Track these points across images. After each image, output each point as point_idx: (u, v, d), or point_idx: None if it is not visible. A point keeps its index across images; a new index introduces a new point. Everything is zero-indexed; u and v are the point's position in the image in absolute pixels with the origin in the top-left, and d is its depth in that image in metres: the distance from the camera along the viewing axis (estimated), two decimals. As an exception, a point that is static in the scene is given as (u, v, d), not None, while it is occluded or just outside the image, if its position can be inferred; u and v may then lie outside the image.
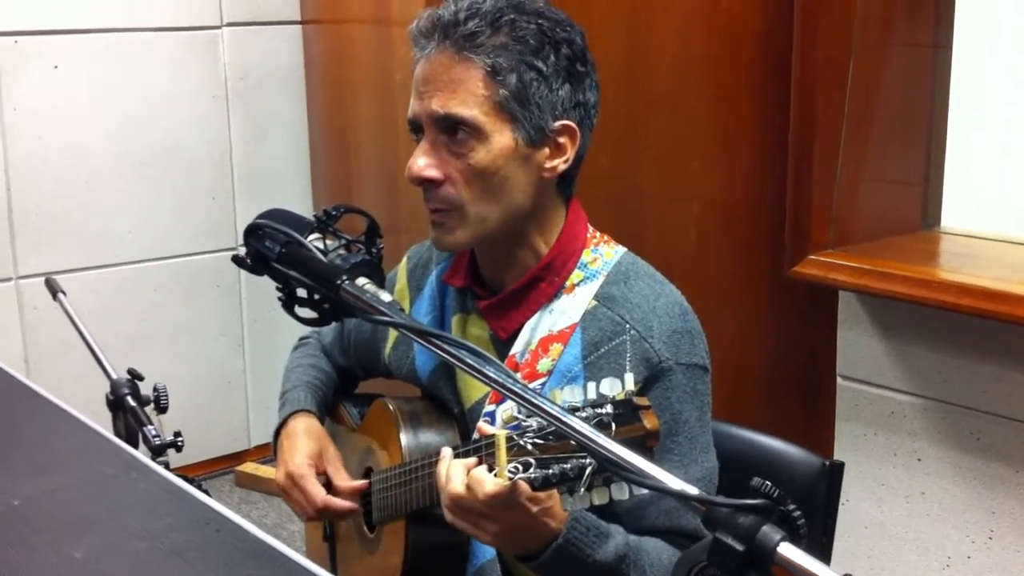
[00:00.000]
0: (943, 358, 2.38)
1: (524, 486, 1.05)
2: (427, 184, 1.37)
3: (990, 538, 2.35)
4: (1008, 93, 2.52)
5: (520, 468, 1.01)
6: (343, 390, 1.76)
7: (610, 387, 1.00)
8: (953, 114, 2.49)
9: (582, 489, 0.97)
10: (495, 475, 1.11)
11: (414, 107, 1.38)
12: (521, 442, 1.02)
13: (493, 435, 1.11)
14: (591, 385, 1.01)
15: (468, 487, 1.15)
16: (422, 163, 1.36)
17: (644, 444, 0.99)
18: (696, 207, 2.59)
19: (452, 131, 1.35)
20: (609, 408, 0.99)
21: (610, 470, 0.90)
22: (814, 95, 2.36)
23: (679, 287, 1.45)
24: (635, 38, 2.49)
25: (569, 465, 0.97)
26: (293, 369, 1.72)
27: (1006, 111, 2.52)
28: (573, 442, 0.92)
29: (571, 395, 1.00)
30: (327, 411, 1.70)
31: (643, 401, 1.01)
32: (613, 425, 0.99)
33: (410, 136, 1.41)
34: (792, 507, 0.81)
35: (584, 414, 0.99)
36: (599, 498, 0.98)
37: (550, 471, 0.98)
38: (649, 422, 1.00)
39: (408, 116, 1.40)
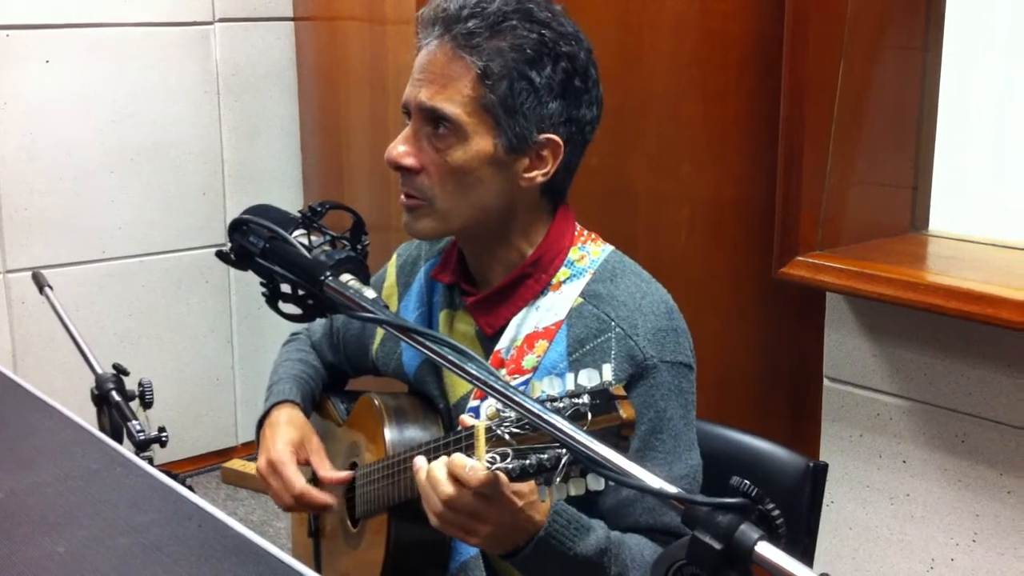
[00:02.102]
0: (929, 360, 2.39)
1: (504, 476, 1.05)
2: (403, 170, 1.38)
3: (974, 540, 2.36)
4: (998, 96, 2.53)
5: (498, 458, 1.01)
6: (332, 387, 1.76)
7: (588, 378, 1.01)
8: (942, 117, 2.50)
9: (558, 479, 0.97)
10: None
11: (407, 92, 1.39)
12: (499, 432, 1.03)
13: (473, 427, 1.11)
14: (570, 376, 1.01)
15: (456, 481, 1.15)
16: (401, 150, 1.38)
17: (619, 433, 0.99)
18: (686, 208, 2.60)
19: (435, 124, 1.35)
20: (586, 398, 0.99)
21: (592, 469, 0.90)
22: (804, 97, 2.36)
23: (668, 287, 1.45)
24: (627, 39, 2.50)
25: (546, 455, 0.98)
26: (281, 363, 1.72)
27: (996, 114, 2.53)
28: (556, 441, 0.93)
29: (550, 387, 1.01)
30: (314, 405, 1.70)
31: (619, 391, 1.01)
32: (589, 415, 0.99)
33: (402, 119, 1.42)
34: (771, 506, 0.81)
35: (561, 404, 0.99)
36: (576, 489, 0.98)
37: (527, 461, 0.99)
38: (625, 411, 1.00)
39: (402, 99, 1.41)
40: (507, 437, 1.02)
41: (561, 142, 1.37)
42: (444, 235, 1.45)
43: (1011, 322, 2.08)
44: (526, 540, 1.22)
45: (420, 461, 1.22)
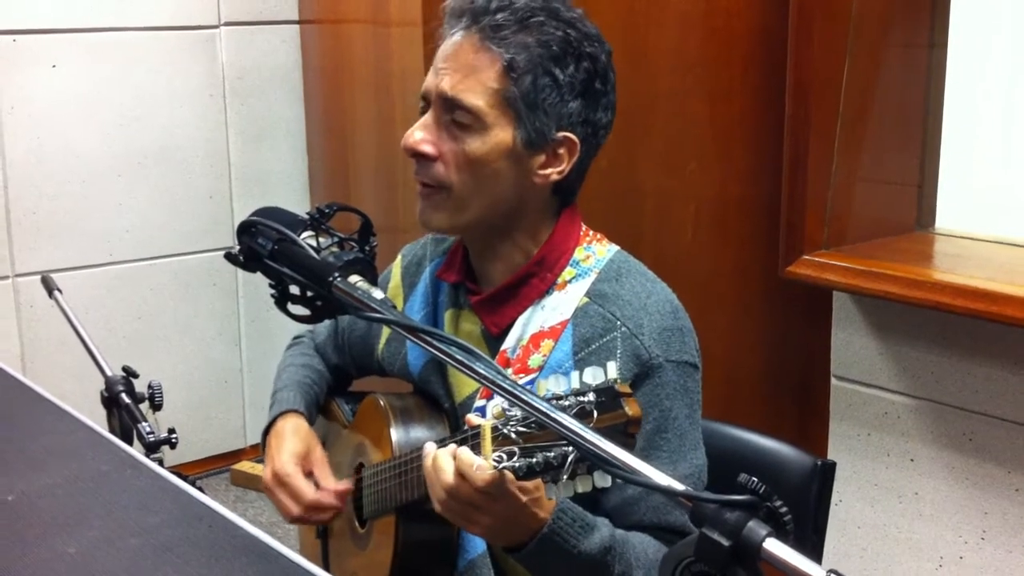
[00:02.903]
0: (936, 359, 2.39)
1: (510, 474, 1.05)
2: (420, 157, 1.39)
3: (982, 538, 2.36)
4: (1003, 94, 2.53)
5: (504, 457, 1.02)
6: (336, 388, 1.76)
7: (593, 376, 1.01)
8: (948, 115, 2.50)
9: (565, 477, 0.97)
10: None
11: (428, 81, 1.39)
12: (506, 431, 1.03)
13: (479, 426, 1.11)
14: (575, 375, 1.02)
15: (460, 475, 1.16)
16: (419, 136, 1.38)
17: (626, 431, 1.00)
18: (692, 207, 2.60)
19: (455, 113, 1.36)
20: (591, 396, 1.00)
21: (600, 467, 0.90)
22: (809, 96, 2.37)
23: (674, 286, 1.45)
24: (633, 39, 2.50)
25: (553, 453, 0.98)
26: (285, 368, 1.72)
27: (1001, 111, 2.53)
28: (563, 440, 0.93)
29: (555, 385, 1.01)
30: (319, 410, 1.71)
31: (625, 388, 1.01)
32: (595, 412, 0.99)
33: (419, 107, 1.42)
34: (779, 503, 0.81)
35: (567, 402, 0.99)
36: (582, 486, 0.98)
37: (534, 460, 0.99)
38: (631, 409, 1.01)
39: (422, 88, 1.41)
40: (513, 436, 1.02)
41: (578, 141, 1.38)
42: (456, 230, 1.45)
43: (1017, 319, 2.08)
44: (529, 536, 1.22)
45: (429, 447, 1.23)
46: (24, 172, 3.13)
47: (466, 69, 1.35)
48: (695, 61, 2.53)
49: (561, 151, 1.38)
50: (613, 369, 1.02)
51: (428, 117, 1.39)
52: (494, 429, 1.04)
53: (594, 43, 1.38)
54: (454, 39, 1.37)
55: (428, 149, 1.38)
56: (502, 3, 1.35)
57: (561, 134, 1.37)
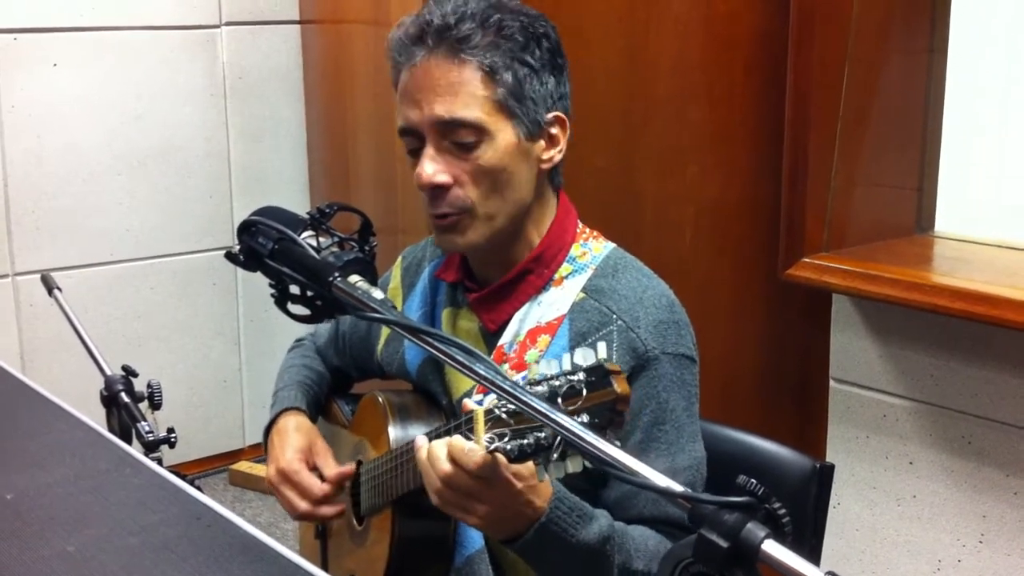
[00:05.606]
0: (935, 361, 2.39)
1: (503, 458, 1.05)
2: (437, 190, 1.38)
3: (980, 541, 2.36)
4: (1003, 98, 2.53)
5: (496, 439, 1.02)
6: (337, 390, 1.77)
7: (583, 356, 1.01)
8: (948, 119, 2.50)
9: (555, 456, 0.98)
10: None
11: (410, 116, 1.39)
12: (497, 412, 1.03)
13: (472, 411, 1.12)
14: (566, 356, 1.02)
15: (454, 462, 1.16)
16: (431, 170, 1.37)
17: (614, 408, 0.99)
18: (692, 210, 2.60)
19: (456, 134, 1.36)
20: (581, 375, 1.00)
21: (602, 469, 0.90)
22: (809, 99, 2.37)
23: (674, 288, 1.46)
24: (633, 42, 2.50)
25: (543, 433, 0.99)
26: (286, 369, 1.73)
27: (1001, 116, 2.54)
28: (561, 436, 0.93)
29: (547, 367, 1.01)
30: (319, 410, 1.71)
31: (614, 367, 1.01)
32: (584, 391, 0.99)
33: (404, 145, 1.42)
34: (777, 505, 0.81)
35: (556, 383, 0.99)
36: (573, 466, 0.98)
37: (525, 440, 1.00)
38: (619, 386, 1.00)
39: (399, 125, 1.41)
40: (504, 416, 1.03)
41: (565, 116, 1.43)
42: (490, 242, 1.42)
43: (1016, 323, 2.08)
44: (527, 525, 1.23)
45: (421, 440, 1.23)
46: (24, 171, 3.13)
47: (451, 88, 1.36)
48: (695, 65, 2.53)
49: (554, 131, 1.42)
50: (603, 349, 1.02)
51: (429, 149, 1.38)
52: (487, 412, 1.05)
53: (543, 22, 1.43)
54: (421, 64, 1.38)
55: (445, 179, 1.37)
56: (457, 15, 1.37)
57: (550, 115, 1.41)
